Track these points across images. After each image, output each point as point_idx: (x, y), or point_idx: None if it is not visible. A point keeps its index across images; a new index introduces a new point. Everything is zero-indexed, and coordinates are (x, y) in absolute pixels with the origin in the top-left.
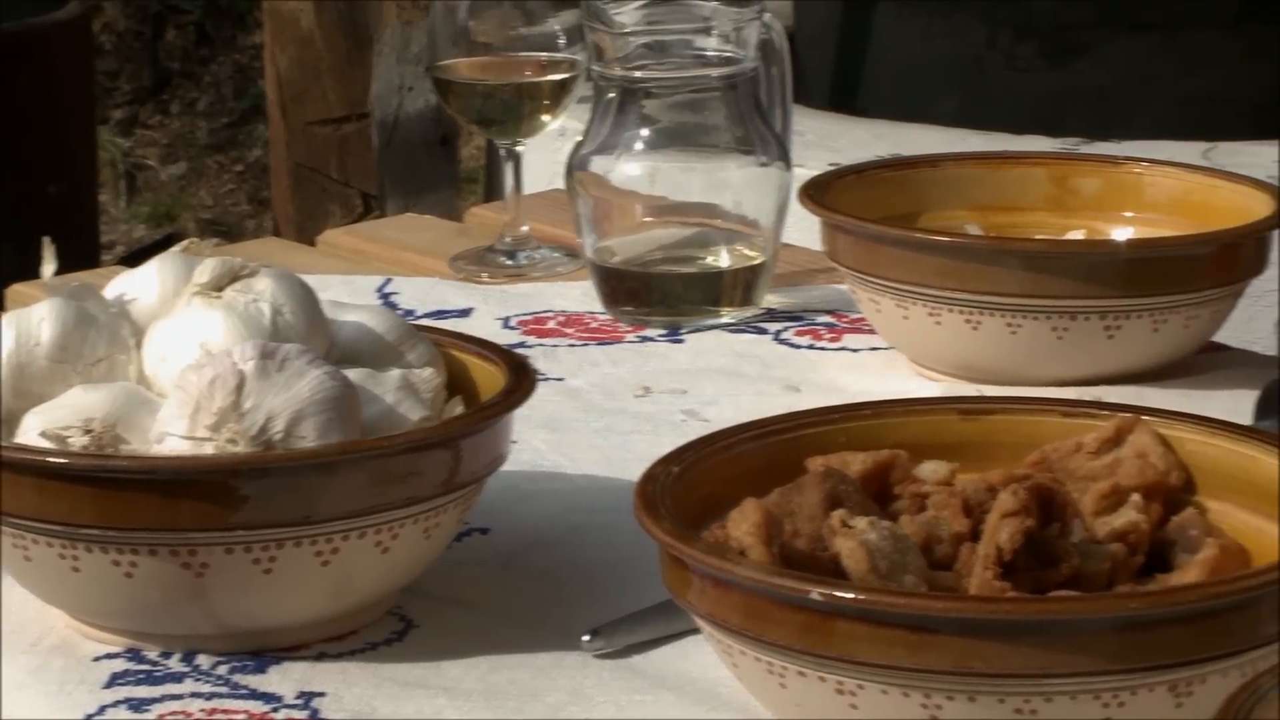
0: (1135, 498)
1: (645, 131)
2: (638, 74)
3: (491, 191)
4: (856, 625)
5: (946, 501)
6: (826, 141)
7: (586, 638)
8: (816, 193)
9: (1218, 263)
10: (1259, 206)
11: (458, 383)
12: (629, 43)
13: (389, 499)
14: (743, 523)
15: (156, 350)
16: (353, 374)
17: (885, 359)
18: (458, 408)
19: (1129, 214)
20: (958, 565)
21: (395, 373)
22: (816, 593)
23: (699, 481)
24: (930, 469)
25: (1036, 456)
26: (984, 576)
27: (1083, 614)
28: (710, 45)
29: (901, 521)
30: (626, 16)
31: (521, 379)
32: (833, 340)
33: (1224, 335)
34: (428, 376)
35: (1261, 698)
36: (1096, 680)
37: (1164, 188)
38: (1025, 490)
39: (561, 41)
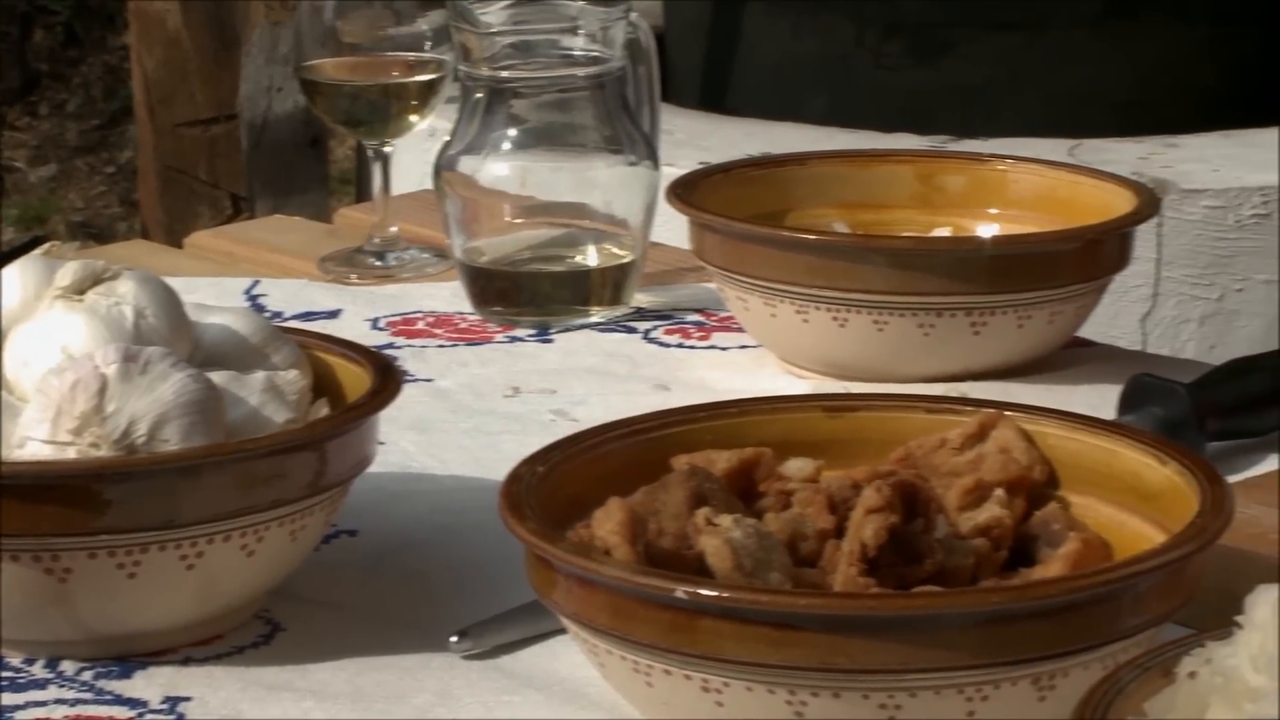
0: (999, 493)
1: (513, 131)
2: (505, 74)
3: (363, 192)
4: (721, 623)
5: (811, 498)
6: (697, 140)
7: (454, 639)
8: (684, 192)
9: (1081, 259)
10: (1122, 203)
11: (324, 385)
12: (495, 43)
13: (254, 502)
14: (607, 522)
15: (18, 354)
16: (217, 377)
17: (754, 357)
18: (323, 410)
19: (994, 211)
20: (823, 562)
21: (260, 375)
22: (681, 591)
23: (564, 481)
24: (795, 466)
25: (901, 453)
26: (848, 573)
27: (946, 609)
28: (577, 45)
29: (766, 519)
30: (493, 16)
31: (387, 380)
32: (702, 339)
33: (1088, 330)
34: (292, 378)
35: (1122, 690)
36: (960, 675)
37: (1028, 184)
38: (889, 486)
39: (429, 42)
